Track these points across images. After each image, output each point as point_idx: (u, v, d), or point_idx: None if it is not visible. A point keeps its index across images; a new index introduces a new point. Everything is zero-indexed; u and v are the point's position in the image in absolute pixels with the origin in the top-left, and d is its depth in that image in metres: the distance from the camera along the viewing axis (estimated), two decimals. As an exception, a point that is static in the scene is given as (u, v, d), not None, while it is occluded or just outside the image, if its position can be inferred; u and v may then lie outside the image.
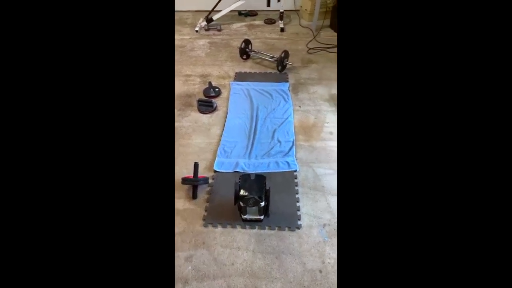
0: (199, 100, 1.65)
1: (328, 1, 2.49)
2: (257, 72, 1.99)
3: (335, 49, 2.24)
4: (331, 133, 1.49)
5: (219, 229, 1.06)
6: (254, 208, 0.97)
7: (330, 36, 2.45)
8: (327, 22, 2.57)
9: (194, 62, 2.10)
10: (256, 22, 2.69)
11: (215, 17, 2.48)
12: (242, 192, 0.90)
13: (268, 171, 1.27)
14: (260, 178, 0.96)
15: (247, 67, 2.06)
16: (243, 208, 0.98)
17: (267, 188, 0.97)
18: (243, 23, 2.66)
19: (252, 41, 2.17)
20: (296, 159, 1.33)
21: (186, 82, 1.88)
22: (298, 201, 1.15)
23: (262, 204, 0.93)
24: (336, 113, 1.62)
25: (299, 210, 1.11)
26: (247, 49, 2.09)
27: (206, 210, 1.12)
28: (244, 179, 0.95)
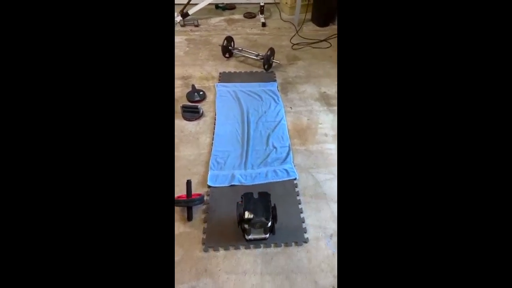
0: (183, 106, 1.50)
1: (309, -6, 2.42)
2: (243, 71, 1.88)
3: (320, 44, 2.20)
4: (326, 134, 1.45)
5: (221, 252, 0.97)
6: (259, 228, 0.90)
7: (313, 31, 2.39)
8: (309, 15, 2.50)
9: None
10: (236, 17, 2.53)
11: (191, 11, 2.28)
12: (247, 214, 0.82)
13: (266, 181, 1.19)
14: (265, 196, 0.88)
15: (231, 66, 1.93)
16: (248, 229, 0.90)
17: (273, 205, 0.90)
18: (222, 18, 2.49)
19: (233, 37, 2.04)
20: (295, 166, 1.27)
21: (166, 85, 1.71)
22: (301, 212, 1.09)
23: (269, 224, 0.86)
24: (328, 113, 1.58)
25: (304, 222, 1.06)
26: (229, 47, 1.96)
27: (204, 232, 1.02)
28: (247, 199, 0.87)
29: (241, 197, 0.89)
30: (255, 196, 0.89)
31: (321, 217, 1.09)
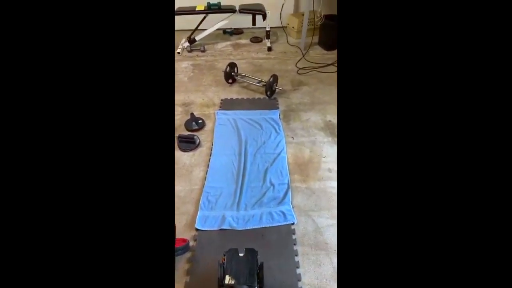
0: (179, 137, 1.45)
1: (316, 19, 2.39)
2: (245, 98, 1.83)
3: (326, 68, 2.12)
4: (330, 170, 1.32)
5: (202, 313, 0.85)
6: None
7: (320, 54, 2.34)
8: (316, 39, 2.46)
9: (176, 88, 1.91)
10: (242, 41, 2.55)
11: (199, 37, 2.32)
12: (227, 280, 0.70)
13: (260, 226, 1.07)
14: (251, 254, 0.77)
15: (233, 92, 1.89)
16: (230, 293, 0.78)
17: (259, 265, 0.77)
18: (228, 42, 2.52)
19: (238, 62, 2.02)
20: (293, 207, 1.14)
21: (166, 112, 1.69)
22: (298, 267, 0.95)
23: (254, 289, 0.73)
24: (333, 145, 1.46)
25: (300, 281, 0.92)
26: (232, 73, 1.93)
27: (185, 287, 0.90)
28: (230, 257, 0.76)
29: (224, 254, 0.78)
30: (240, 253, 0.78)
31: (321, 274, 0.94)
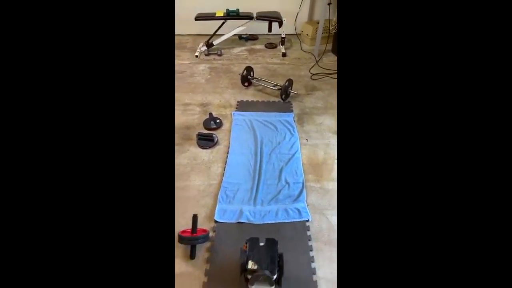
0: (198, 134, 1.53)
1: (330, 27, 2.46)
2: (260, 101, 1.89)
3: (339, 75, 2.18)
4: (343, 172, 1.36)
5: (222, 300, 0.89)
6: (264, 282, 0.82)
7: (333, 61, 2.39)
8: (329, 46, 2.53)
9: (194, 89, 2.00)
10: (257, 47, 2.64)
11: (216, 42, 2.42)
12: (250, 264, 0.75)
13: (276, 221, 1.12)
14: (271, 244, 0.81)
15: (249, 95, 1.96)
16: (251, 280, 0.82)
17: (279, 253, 0.82)
18: (244, 48, 2.61)
19: (253, 66, 2.10)
20: (308, 205, 1.19)
21: (185, 111, 1.77)
22: (312, 261, 0.99)
23: (275, 277, 0.77)
24: (347, 148, 1.50)
25: (314, 274, 0.96)
26: (249, 76, 2.01)
27: (206, 275, 0.95)
28: (252, 245, 0.81)
29: (246, 242, 0.83)
30: (261, 242, 0.83)
31: (335, 269, 0.97)
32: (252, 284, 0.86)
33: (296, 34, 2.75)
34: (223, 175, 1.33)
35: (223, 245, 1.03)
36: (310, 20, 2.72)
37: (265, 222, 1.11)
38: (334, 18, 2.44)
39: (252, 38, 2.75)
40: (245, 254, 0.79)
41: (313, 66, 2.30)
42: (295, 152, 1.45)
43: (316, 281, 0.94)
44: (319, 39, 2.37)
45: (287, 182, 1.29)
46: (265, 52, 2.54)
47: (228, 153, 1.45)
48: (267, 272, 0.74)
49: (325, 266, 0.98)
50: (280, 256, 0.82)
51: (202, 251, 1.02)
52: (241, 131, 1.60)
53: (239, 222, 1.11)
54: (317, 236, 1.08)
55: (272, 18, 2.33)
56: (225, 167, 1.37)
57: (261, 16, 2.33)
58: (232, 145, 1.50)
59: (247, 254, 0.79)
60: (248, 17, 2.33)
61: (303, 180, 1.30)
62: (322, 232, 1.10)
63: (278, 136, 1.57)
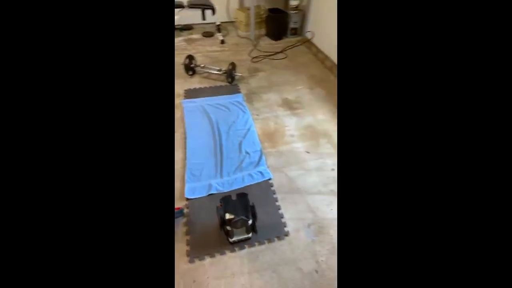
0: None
1: (261, 12, 2.64)
2: (207, 87, 1.95)
3: (276, 56, 2.39)
4: (292, 135, 1.57)
5: (208, 260, 0.98)
6: (241, 228, 0.94)
7: (269, 44, 2.60)
8: (263, 31, 2.72)
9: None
10: (194, 36, 2.64)
11: (149, 33, 2.32)
12: (227, 216, 0.86)
13: (243, 185, 1.25)
14: (243, 197, 0.93)
15: (195, 82, 1.99)
16: (231, 231, 0.93)
17: (251, 204, 0.95)
18: (181, 38, 2.57)
19: (194, 55, 2.12)
20: (268, 167, 1.35)
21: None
22: (279, 209, 1.16)
23: (250, 222, 0.90)
24: (292, 116, 1.72)
25: (283, 217, 1.13)
26: (191, 65, 2.03)
27: (188, 244, 1.02)
28: (226, 201, 0.91)
29: (220, 201, 0.93)
30: (234, 198, 0.94)
31: (298, 209, 1.17)
32: (232, 236, 0.98)
33: (230, 21, 2.84)
34: (185, 160, 1.37)
35: (199, 216, 1.11)
36: (241, 6, 2.84)
37: (234, 189, 1.23)
38: (262, 3, 2.62)
39: (187, 28, 2.72)
40: (221, 209, 0.89)
41: (252, 50, 2.45)
42: (250, 127, 1.59)
43: (284, 222, 1.11)
44: (253, 25, 2.52)
45: (247, 153, 1.42)
46: (203, 41, 2.56)
47: (185, 139, 1.49)
48: (243, 217, 0.86)
49: (290, 209, 1.17)
50: (252, 205, 0.95)
51: (179, 227, 1.08)
52: (195, 117, 1.64)
53: (209, 194, 1.20)
54: (279, 189, 1.26)
55: (204, 5, 2.36)
56: (185, 152, 1.41)
57: (193, 4, 2.33)
58: (188, 130, 1.54)
59: (223, 209, 0.89)
60: (179, 5, 2.29)
61: (260, 148, 1.45)
62: (283, 185, 1.28)
63: (232, 115, 1.68)
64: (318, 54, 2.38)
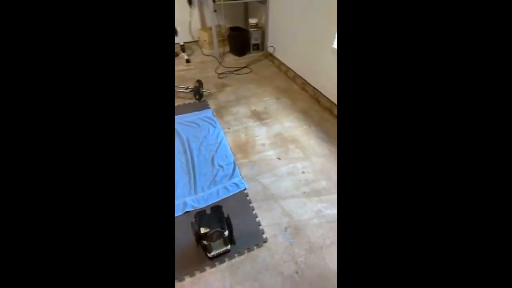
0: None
1: (222, 31, 2.76)
2: (176, 105, 1.96)
3: (242, 71, 2.50)
4: (263, 144, 1.63)
5: (188, 280, 0.95)
6: (218, 241, 0.94)
7: (233, 60, 2.71)
8: (227, 48, 2.84)
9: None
10: (159, 57, 2.64)
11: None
12: (202, 230, 0.86)
13: (219, 199, 1.25)
14: (216, 209, 0.94)
15: (163, 102, 1.98)
16: (208, 245, 0.93)
17: (226, 216, 0.96)
18: (145, 60, 2.56)
19: (160, 76, 2.12)
20: (242, 178, 1.38)
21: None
22: (256, 217, 1.19)
23: (226, 233, 0.91)
24: (261, 127, 1.79)
25: (260, 225, 1.15)
26: (158, 85, 2.02)
27: (166, 268, 0.98)
28: (200, 216, 0.91)
29: (194, 217, 0.93)
30: (208, 212, 0.95)
31: (274, 215, 1.20)
32: (211, 251, 0.97)
33: (194, 41, 2.92)
34: (157, 180, 1.34)
35: (176, 236, 1.08)
36: (204, 27, 2.94)
37: (209, 203, 1.23)
38: (223, 23, 2.75)
39: (151, 49, 2.72)
40: (196, 224, 0.89)
41: (218, 67, 2.53)
42: (221, 140, 1.62)
43: (262, 229, 1.14)
44: (216, 43, 2.62)
45: (220, 166, 1.44)
46: (168, 61, 2.58)
47: (157, 159, 1.46)
48: (218, 229, 0.87)
49: (266, 216, 1.20)
50: (227, 216, 0.96)
51: (155, 250, 1.04)
52: (164, 136, 1.63)
53: (185, 212, 1.18)
54: (255, 197, 1.28)
55: (166, 28, 2.40)
56: (157, 172, 1.38)
57: (154, 27, 2.35)
58: (159, 150, 1.52)
59: (198, 224, 0.89)
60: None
61: (233, 160, 1.48)
62: (258, 193, 1.31)
63: (202, 131, 1.69)
64: (280, 66, 2.53)
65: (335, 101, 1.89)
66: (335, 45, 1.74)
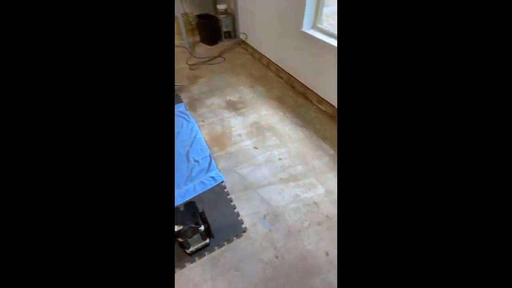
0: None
1: (190, 19, 2.63)
2: (146, 101, 1.86)
3: (215, 60, 2.41)
4: (239, 135, 1.61)
5: (168, 278, 0.95)
6: (195, 236, 0.93)
7: (205, 50, 2.61)
8: (197, 38, 2.71)
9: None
10: (125, 51, 2.48)
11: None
12: (176, 228, 0.84)
13: (196, 194, 1.24)
14: (190, 205, 0.93)
15: (132, 99, 1.88)
16: (185, 242, 0.92)
17: (201, 211, 0.95)
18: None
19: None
20: (219, 170, 1.36)
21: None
22: (235, 208, 1.19)
23: (202, 228, 0.90)
24: (237, 117, 1.76)
25: (239, 216, 1.16)
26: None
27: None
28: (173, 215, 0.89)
29: (168, 216, 0.91)
30: (181, 209, 0.93)
31: (252, 204, 1.21)
32: (189, 247, 0.97)
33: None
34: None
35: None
36: (171, 16, 2.78)
37: (187, 200, 1.21)
38: (189, 10, 2.61)
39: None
40: (168, 223, 0.87)
41: (189, 57, 2.43)
42: (196, 134, 1.58)
43: (241, 219, 1.14)
44: (184, 33, 2.49)
45: (196, 161, 1.41)
46: (135, 55, 2.43)
47: (129, 160, 1.40)
48: (192, 225, 0.86)
49: (245, 206, 1.20)
50: (202, 211, 0.95)
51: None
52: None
53: (162, 211, 1.15)
54: (233, 189, 1.28)
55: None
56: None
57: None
58: (131, 150, 1.45)
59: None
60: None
61: (209, 154, 1.46)
62: (236, 184, 1.31)
63: (176, 127, 1.64)
64: (254, 54, 2.48)
65: (308, 85, 1.88)
66: (304, 28, 1.71)
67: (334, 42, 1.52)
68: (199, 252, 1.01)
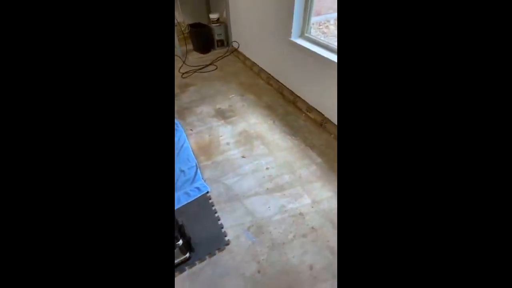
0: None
1: (182, 29, 2.65)
2: (135, 110, 1.86)
3: (207, 68, 2.42)
4: (228, 143, 1.60)
5: (146, 295, 0.91)
6: (175, 251, 0.91)
7: (198, 58, 2.62)
8: (190, 46, 2.74)
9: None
10: (117, 60, 2.49)
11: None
12: (151, 243, 0.82)
13: (180, 205, 1.21)
14: (168, 219, 0.91)
15: (121, 108, 1.87)
16: (162, 258, 0.89)
17: (181, 223, 0.93)
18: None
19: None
20: (205, 181, 1.34)
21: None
22: (219, 220, 1.16)
23: (180, 242, 0.88)
24: (226, 125, 1.75)
25: (222, 228, 1.13)
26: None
27: (121, 285, 0.93)
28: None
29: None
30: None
31: (237, 216, 1.19)
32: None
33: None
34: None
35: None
36: (164, 25, 2.80)
37: (169, 211, 1.18)
38: (182, 20, 2.64)
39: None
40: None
41: (181, 66, 2.44)
42: (183, 143, 1.56)
43: (224, 232, 1.12)
44: (177, 41, 2.51)
45: (181, 171, 1.39)
46: (127, 64, 2.44)
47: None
48: (168, 240, 0.84)
49: (229, 218, 1.18)
50: (181, 224, 0.93)
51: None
52: (122, 145, 1.54)
53: (143, 224, 1.13)
54: (218, 200, 1.26)
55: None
56: (114, 184, 1.31)
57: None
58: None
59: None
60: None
61: (196, 163, 1.44)
62: (221, 194, 1.28)
63: (163, 135, 1.62)
64: (246, 62, 2.49)
65: (298, 93, 1.89)
66: (292, 37, 1.73)
67: (321, 51, 1.53)
68: (179, 267, 0.98)
